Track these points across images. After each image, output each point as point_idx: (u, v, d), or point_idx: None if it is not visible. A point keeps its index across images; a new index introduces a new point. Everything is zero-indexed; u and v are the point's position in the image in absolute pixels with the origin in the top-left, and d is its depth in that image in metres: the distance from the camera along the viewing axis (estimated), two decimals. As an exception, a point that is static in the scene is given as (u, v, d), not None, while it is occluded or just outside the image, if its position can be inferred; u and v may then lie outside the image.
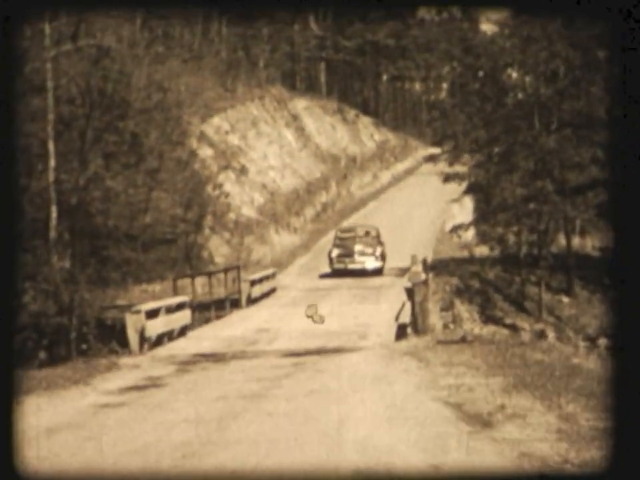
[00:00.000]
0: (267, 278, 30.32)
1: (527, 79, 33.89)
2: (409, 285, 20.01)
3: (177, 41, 52.89)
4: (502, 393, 10.50)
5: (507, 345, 16.41)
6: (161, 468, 7.72)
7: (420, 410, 9.81)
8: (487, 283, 30.92)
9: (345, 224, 46.00)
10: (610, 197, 25.00)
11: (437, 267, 31.10)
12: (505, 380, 11.45)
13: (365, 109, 75.25)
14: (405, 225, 45.50)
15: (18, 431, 7.52)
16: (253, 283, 28.08)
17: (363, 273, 34.02)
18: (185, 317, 20.24)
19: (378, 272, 34.39)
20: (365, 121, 71.73)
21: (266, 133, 53.60)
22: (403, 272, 29.84)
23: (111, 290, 26.08)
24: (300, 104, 61.77)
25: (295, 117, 59.58)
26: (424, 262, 28.02)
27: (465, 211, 41.34)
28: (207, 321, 23.51)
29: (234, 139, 48.62)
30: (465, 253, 33.92)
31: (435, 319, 24.50)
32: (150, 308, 18.00)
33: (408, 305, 19.67)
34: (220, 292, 26.45)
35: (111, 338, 18.43)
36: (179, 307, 19.91)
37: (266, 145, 52.54)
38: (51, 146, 23.54)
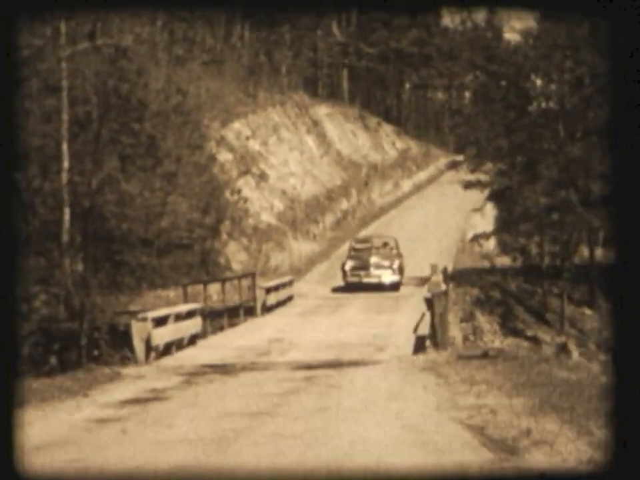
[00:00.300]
0: (283, 285, 29.68)
1: (552, 86, 33.30)
2: (428, 295, 19.48)
3: (199, 45, 52.66)
4: (527, 415, 9.77)
5: (531, 361, 15.71)
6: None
7: (439, 433, 9.09)
8: (508, 294, 30.49)
9: (365, 232, 45.37)
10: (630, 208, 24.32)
11: (457, 277, 30.55)
12: (529, 401, 10.72)
13: (387, 117, 74.73)
14: (425, 234, 44.82)
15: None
16: (269, 290, 27.43)
17: (378, 288, 31.63)
18: (195, 324, 19.57)
19: (395, 287, 32.02)
20: (387, 129, 71.27)
21: (287, 139, 53.18)
22: (422, 281, 29.23)
23: (125, 295, 25.61)
24: (322, 110, 61.35)
25: (317, 124, 59.16)
26: (444, 271, 27.49)
27: (486, 220, 40.92)
28: (220, 329, 22.95)
29: (255, 145, 48.18)
30: (486, 263, 33.42)
31: (455, 330, 23.94)
32: (157, 315, 17.32)
33: (427, 316, 19.08)
34: (235, 299, 25.87)
35: (123, 344, 17.81)
36: (189, 314, 19.24)
37: (287, 151, 52.11)
38: (65, 147, 23.08)
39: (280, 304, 28.29)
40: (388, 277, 32.22)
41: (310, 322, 23.86)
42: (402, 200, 59.64)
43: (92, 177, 24.06)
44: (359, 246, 34.45)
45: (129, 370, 15.38)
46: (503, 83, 34.07)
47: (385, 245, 34.23)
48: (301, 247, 43.66)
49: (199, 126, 36.62)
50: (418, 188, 64.20)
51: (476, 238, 34.07)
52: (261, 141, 49.28)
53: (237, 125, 47.35)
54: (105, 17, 26.02)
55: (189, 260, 31.34)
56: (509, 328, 28.19)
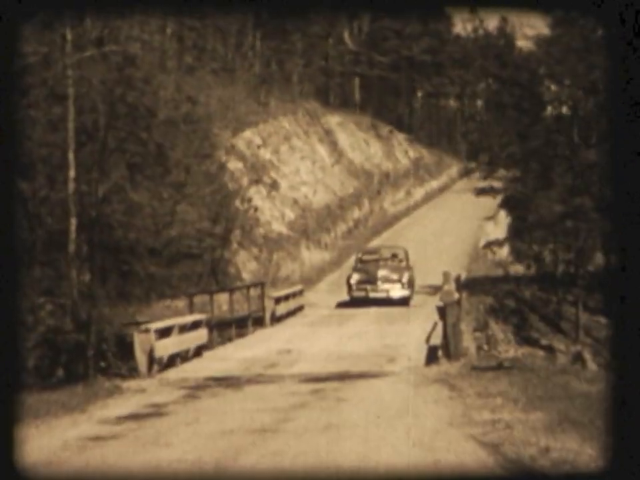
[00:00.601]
0: (293, 295, 29.15)
1: (566, 91, 32.90)
2: (440, 304, 18.99)
3: (209, 53, 52.44)
4: (545, 431, 9.27)
5: (548, 372, 15.22)
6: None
7: (452, 451, 8.60)
8: (522, 302, 30.07)
9: (377, 241, 44.94)
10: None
11: (470, 285, 30.05)
12: (547, 416, 10.22)
13: (399, 125, 74.35)
14: (437, 242, 44.38)
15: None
16: (278, 300, 26.93)
17: (386, 302, 29.35)
18: (200, 336, 19.09)
19: (404, 301, 29.79)
20: (399, 137, 70.92)
21: (298, 148, 52.85)
22: (435, 290, 28.73)
23: (133, 306, 25.27)
24: (333, 119, 61.04)
25: (328, 132, 58.86)
26: (457, 280, 27.01)
27: (499, 229, 40.61)
28: (229, 339, 22.54)
29: (266, 153, 47.85)
30: (500, 271, 32.98)
31: (469, 340, 23.48)
32: (161, 326, 16.86)
33: (440, 326, 18.62)
34: (243, 309, 25.45)
35: (130, 356, 17.41)
36: (195, 325, 18.77)
37: (298, 160, 51.77)
38: (71, 155, 22.76)
39: (290, 314, 27.82)
40: (397, 292, 30.06)
41: (320, 332, 23.42)
42: (414, 208, 59.44)
43: (99, 186, 23.76)
44: (366, 257, 32.43)
45: (130, 383, 14.92)
46: (516, 90, 33.76)
47: (394, 256, 31.86)
48: (312, 256, 43.29)
49: (208, 134, 36.31)
50: (430, 196, 64.00)
51: (489, 245, 33.66)
52: (272, 150, 48.95)
53: (248, 133, 47.03)
54: (112, 25, 25.76)
55: (199, 270, 30.96)
56: (523, 337, 27.82)
